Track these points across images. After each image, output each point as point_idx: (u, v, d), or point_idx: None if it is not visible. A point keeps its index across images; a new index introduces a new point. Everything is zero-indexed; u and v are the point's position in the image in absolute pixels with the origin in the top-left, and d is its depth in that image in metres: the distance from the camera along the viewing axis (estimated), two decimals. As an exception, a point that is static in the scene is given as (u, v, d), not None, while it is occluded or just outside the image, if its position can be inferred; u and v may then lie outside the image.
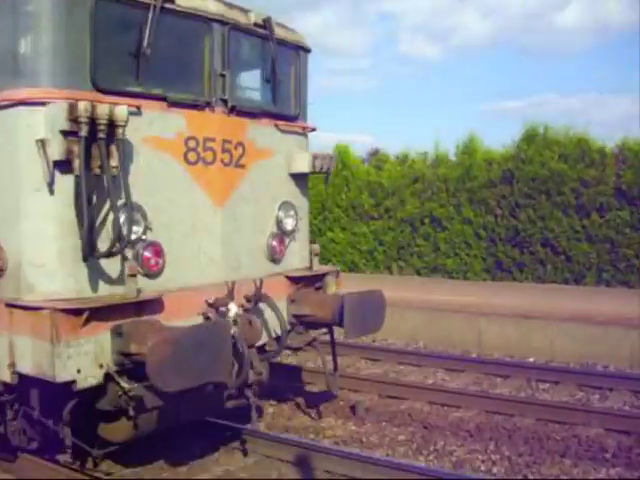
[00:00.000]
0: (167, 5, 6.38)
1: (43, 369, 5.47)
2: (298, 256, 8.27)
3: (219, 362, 5.89)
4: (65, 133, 5.52)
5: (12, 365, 5.74)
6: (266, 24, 7.59)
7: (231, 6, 7.37)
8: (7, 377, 5.80)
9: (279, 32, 7.87)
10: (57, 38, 5.71)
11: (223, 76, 6.99)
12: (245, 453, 7.50)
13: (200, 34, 6.89)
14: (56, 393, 5.77)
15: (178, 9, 6.55)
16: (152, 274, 6.33)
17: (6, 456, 6.87)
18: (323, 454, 7.18)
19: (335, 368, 8.71)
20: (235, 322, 6.52)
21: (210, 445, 7.64)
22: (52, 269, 5.74)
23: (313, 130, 8.66)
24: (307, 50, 8.50)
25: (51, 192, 5.68)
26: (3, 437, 6.45)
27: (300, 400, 9.69)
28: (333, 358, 8.64)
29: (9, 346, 5.73)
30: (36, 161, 5.63)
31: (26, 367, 5.66)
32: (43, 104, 5.61)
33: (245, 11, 7.54)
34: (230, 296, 6.68)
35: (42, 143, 5.58)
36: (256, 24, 7.53)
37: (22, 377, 5.76)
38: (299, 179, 8.24)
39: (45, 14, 5.69)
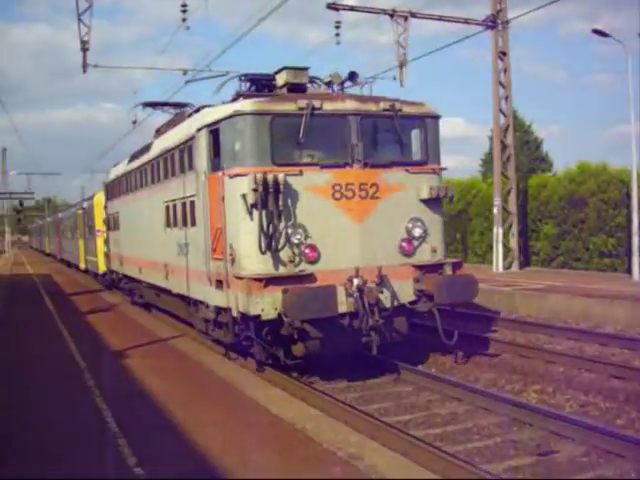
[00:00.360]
0: (316, 111, 11.40)
1: (246, 308, 10.80)
2: (428, 252, 12.33)
3: (327, 306, 10.41)
4: (253, 190, 10.80)
5: (236, 307, 11.22)
6: (392, 108, 12.04)
7: (364, 100, 12.18)
8: (235, 313, 11.34)
9: (407, 109, 12.31)
10: (252, 141, 11.23)
11: (357, 145, 11.59)
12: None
13: (341, 123, 11.66)
14: (256, 323, 11.11)
15: (324, 112, 11.53)
16: (311, 262, 11.27)
17: (258, 368, 12.21)
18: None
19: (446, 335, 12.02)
20: (359, 289, 10.90)
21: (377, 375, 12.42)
22: (252, 259, 11.13)
23: (443, 169, 12.94)
24: (434, 117, 12.77)
25: (251, 219, 11.07)
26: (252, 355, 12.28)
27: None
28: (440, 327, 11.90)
29: (235, 297, 11.26)
30: (243, 204, 11.08)
31: (240, 307, 11.05)
32: (245, 175, 11.03)
33: (377, 101, 12.14)
34: (356, 275, 11.00)
35: (244, 195, 11.02)
36: (385, 109, 12.02)
37: (241, 314, 11.18)
38: (429, 202, 12.33)
39: (247, 130, 11.26)
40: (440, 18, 25.14)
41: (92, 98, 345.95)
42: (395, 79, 25.01)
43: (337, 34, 24.49)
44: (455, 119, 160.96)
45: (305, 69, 13.33)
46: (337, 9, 24.12)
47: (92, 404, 9.54)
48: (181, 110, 17.72)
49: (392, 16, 24.42)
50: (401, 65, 24.81)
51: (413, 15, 24.64)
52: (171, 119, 17.63)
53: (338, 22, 24.35)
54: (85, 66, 26.28)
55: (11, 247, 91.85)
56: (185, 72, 27.09)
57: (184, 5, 24.85)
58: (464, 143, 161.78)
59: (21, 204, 60.15)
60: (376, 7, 24.85)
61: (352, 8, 24.75)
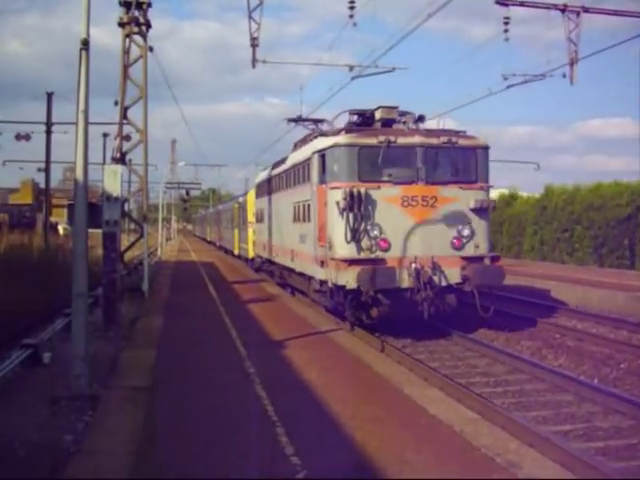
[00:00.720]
0: (391, 145, 15.38)
1: (336, 280, 15.15)
2: (473, 248, 16.00)
3: (388, 281, 14.43)
4: (344, 199, 14.93)
5: (331, 280, 15.55)
6: (449, 141, 15.82)
7: (429, 135, 16.03)
8: (330, 284, 15.77)
9: (462, 142, 16.11)
10: (345, 164, 15.54)
11: (421, 168, 15.56)
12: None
13: (410, 152, 15.67)
14: (344, 293, 15.12)
15: (397, 145, 15.51)
16: (383, 250, 15.27)
17: (350, 328, 16.27)
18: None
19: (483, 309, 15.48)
20: (417, 271, 14.86)
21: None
22: (342, 246, 15.23)
23: (490, 187, 16.98)
24: (484, 147, 16.53)
25: (342, 219, 15.20)
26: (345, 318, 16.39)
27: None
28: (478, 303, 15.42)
29: (330, 273, 15.59)
30: (337, 208, 15.23)
31: (333, 280, 15.37)
32: (339, 188, 15.27)
33: (438, 135, 16.00)
34: (416, 262, 15.01)
35: (337, 202, 15.21)
36: (444, 142, 15.81)
37: (334, 285, 15.41)
38: (476, 211, 16.02)
39: (342, 156, 15.64)
40: (615, 13, 24.14)
41: (258, 93, 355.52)
42: (565, 77, 24.31)
43: (505, 30, 23.99)
44: (624, 119, 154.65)
45: (395, 107, 17.60)
46: (506, 4, 23.59)
47: (252, 392, 9.80)
48: (315, 128, 23.09)
49: (563, 11, 23.62)
50: (572, 62, 24.00)
51: (586, 10, 23.75)
52: (302, 138, 22.50)
53: (507, 18, 23.87)
54: (254, 62, 26.96)
55: (177, 235, 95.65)
56: (351, 68, 27.29)
57: (352, 2, 25.04)
58: (634, 144, 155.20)
59: (187, 194, 62.61)
60: (546, 2, 24.17)
61: (522, 3, 24.13)
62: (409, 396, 9.61)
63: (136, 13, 20.87)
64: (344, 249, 15.26)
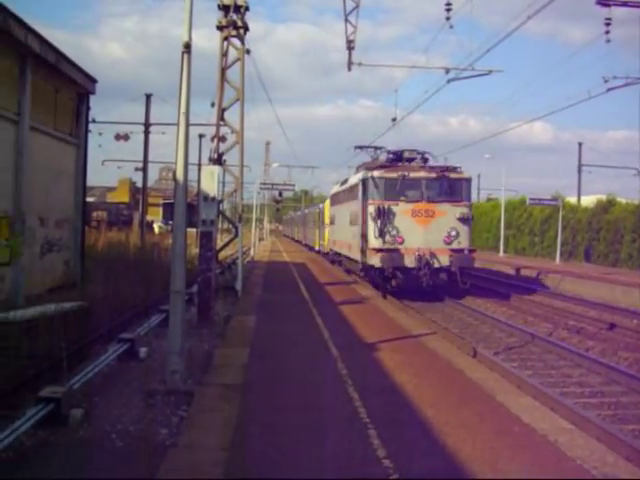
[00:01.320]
0: (405, 178, 24.63)
1: (370, 262, 24.81)
2: (457, 243, 24.32)
3: (398, 262, 23.80)
4: (375, 211, 24.43)
5: (367, 261, 25.31)
6: (444, 175, 24.83)
7: (429, 171, 25.36)
8: (367, 265, 25.57)
9: (452, 175, 25.17)
10: (376, 189, 25.08)
11: (424, 192, 24.50)
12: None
13: (418, 182, 24.78)
14: (374, 270, 24.76)
15: (410, 178, 24.67)
16: (399, 244, 24.23)
17: (382, 294, 24.38)
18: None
19: (462, 282, 24.12)
20: (419, 256, 23.67)
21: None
22: (373, 240, 24.60)
23: (471, 204, 26.33)
24: (467, 179, 25.96)
25: (374, 224, 24.50)
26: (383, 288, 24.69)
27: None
28: (459, 279, 23.78)
29: (366, 257, 25.40)
30: (372, 216, 24.54)
31: (368, 261, 25.21)
32: (373, 204, 24.83)
33: (436, 171, 25.03)
34: (419, 251, 23.79)
35: (371, 213, 24.67)
36: (439, 176, 24.74)
37: (369, 265, 25.15)
38: (460, 220, 24.50)
39: (374, 184, 25.17)
40: None
41: (351, 95, 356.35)
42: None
43: (607, 31, 23.43)
44: None
45: (414, 150, 27.62)
46: (608, 5, 23.05)
47: (345, 393, 9.82)
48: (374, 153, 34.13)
49: (668, 12, 23.07)
50: (676, 65, 23.37)
51: (692, 11, 23.11)
52: (360, 164, 33.24)
53: (608, 19, 23.30)
54: (350, 64, 27.09)
55: (269, 235, 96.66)
56: (447, 71, 27.15)
57: (448, 4, 24.86)
58: None
59: (280, 195, 63.70)
60: (652, 1, 23.53)
61: (624, 3, 23.51)
62: (502, 403, 9.47)
63: (234, 16, 21.17)
64: (374, 242, 24.56)
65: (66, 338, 11.60)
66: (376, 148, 34.25)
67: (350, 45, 26.29)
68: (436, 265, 24.03)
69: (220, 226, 45.26)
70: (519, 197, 59.27)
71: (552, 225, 49.62)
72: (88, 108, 25.31)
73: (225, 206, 34.05)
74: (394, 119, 35.82)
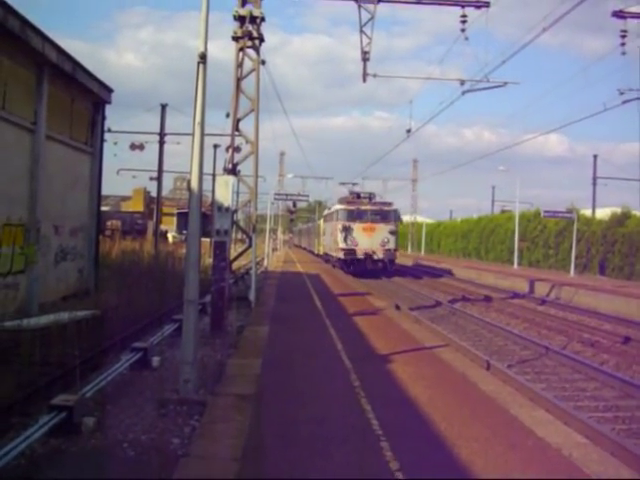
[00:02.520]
0: (359, 209, 45.85)
1: (338, 255, 46.33)
2: (387, 246, 44.20)
3: (354, 255, 44.21)
4: (342, 227, 45.00)
5: (337, 255, 46.94)
6: (381, 208, 46.35)
7: (372, 204, 46.96)
8: (336, 256, 47.54)
9: (384, 207, 46.79)
10: (342, 216, 46.02)
11: (369, 217, 45.26)
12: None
13: (365, 211, 45.74)
14: (341, 260, 46.00)
15: (361, 209, 45.81)
16: (355, 246, 44.23)
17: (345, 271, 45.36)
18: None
19: (390, 267, 45.09)
20: (366, 253, 43.87)
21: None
22: (340, 244, 44.84)
23: (397, 223, 50.29)
24: (395, 209, 48.22)
25: (341, 234, 44.82)
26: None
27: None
28: (388, 266, 44.65)
29: (337, 252, 46.69)
30: (340, 231, 44.88)
31: (336, 255, 47.15)
32: (341, 223, 45.59)
33: (376, 205, 46.94)
34: (366, 250, 44.04)
35: (340, 228, 45.06)
36: (379, 208, 46.24)
37: (337, 257, 47.04)
38: (390, 233, 44.81)
39: (340, 213, 46.55)
40: None
41: (365, 106, 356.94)
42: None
43: (622, 43, 23.38)
44: None
45: (367, 193, 50.52)
46: (624, 17, 23.04)
47: (357, 405, 9.78)
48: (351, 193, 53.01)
49: (684, 24, 23.08)
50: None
51: None
52: (340, 198, 52.46)
53: (624, 31, 23.25)
54: (365, 75, 27.09)
55: (283, 245, 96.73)
56: (462, 82, 27.17)
57: (464, 16, 24.86)
58: None
59: (294, 205, 64.36)
60: (667, 14, 23.56)
61: (640, 15, 23.53)
62: (515, 416, 9.40)
63: (250, 27, 21.24)
64: (342, 244, 43.92)
65: (79, 346, 11.66)
66: (353, 184, 61.44)
67: (365, 56, 26.28)
68: (375, 257, 44.26)
69: (234, 236, 45.40)
70: (533, 209, 59.09)
71: (566, 238, 49.42)
72: (104, 117, 25.45)
73: (239, 216, 34.19)
74: (409, 130, 35.99)
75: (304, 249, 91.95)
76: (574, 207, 50.26)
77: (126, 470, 7.29)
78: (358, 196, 49.28)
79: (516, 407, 9.94)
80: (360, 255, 43.56)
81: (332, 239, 48.63)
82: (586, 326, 22.16)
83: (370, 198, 48.19)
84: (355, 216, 44.75)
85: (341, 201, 49.83)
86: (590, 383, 13.88)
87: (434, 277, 46.26)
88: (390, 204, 47.46)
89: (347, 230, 44.11)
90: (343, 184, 60.60)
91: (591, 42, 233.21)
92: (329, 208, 59.72)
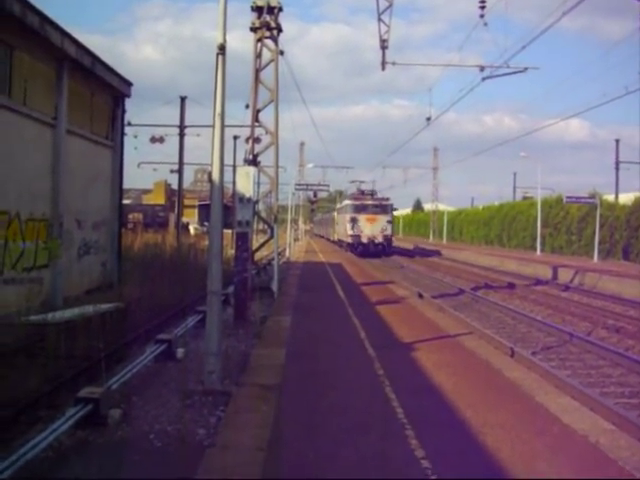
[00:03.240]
0: (363, 203, 58.90)
1: (347, 240, 59.52)
2: (386, 232, 56.54)
3: (360, 240, 56.49)
4: (351, 218, 57.61)
5: (347, 240, 59.65)
6: (380, 202, 58.93)
7: (374, 200, 60.08)
8: (347, 241, 60.14)
9: (382, 202, 59.30)
10: (350, 209, 59.33)
11: (371, 209, 57.75)
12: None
13: (369, 205, 58.46)
14: (349, 244, 59.23)
15: (365, 203, 58.87)
16: (360, 232, 56.30)
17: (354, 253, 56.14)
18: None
19: (388, 249, 57.17)
20: (370, 238, 56.58)
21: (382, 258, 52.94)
22: (349, 232, 57.60)
23: (393, 213, 60.87)
24: (391, 203, 59.98)
25: (350, 224, 57.24)
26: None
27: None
28: (387, 246, 56.46)
29: (347, 238, 59.15)
30: (349, 221, 57.53)
31: (346, 240, 60.14)
32: (349, 215, 58.66)
33: (376, 199, 60.20)
34: (368, 236, 56.16)
35: (348, 220, 57.63)
36: (378, 202, 58.88)
37: (347, 242, 60.23)
38: (387, 222, 57.04)
39: (349, 206, 59.84)
40: None
41: (385, 95, 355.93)
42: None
43: (643, 27, 23.35)
44: None
45: (371, 189, 66.05)
46: (644, -1, 22.90)
47: (382, 393, 9.78)
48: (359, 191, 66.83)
49: None
50: None
51: None
52: (348, 195, 72.63)
53: (644, 14, 23.19)
54: (384, 64, 27.03)
55: (304, 236, 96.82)
56: (482, 69, 27.00)
57: (482, 1, 24.73)
58: None
59: (315, 195, 65.48)
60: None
61: (661, -1, 23.44)
62: (541, 403, 9.35)
63: (267, 18, 21.21)
64: (350, 232, 56.47)
65: (104, 339, 11.73)
66: (361, 182, 72.01)
67: (384, 44, 26.26)
68: (376, 241, 55.64)
69: (255, 227, 45.49)
70: (555, 195, 58.69)
71: (589, 223, 49.06)
72: (123, 111, 25.54)
73: (260, 207, 34.26)
74: (428, 118, 35.83)
75: (322, 237, 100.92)
76: (596, 192, 49.90)
77: (153, 461, 7.33)
78: (362, 193, 64.06)
79: (541, 394, 9.89)
80: (364, 240, 55.73)
81: (343, 228, 61.68)
82: (611, 312, 22.01)
83: (372, 194, 62.77)
84: (360, 209, 57.29)
85: (349, 197, 66.27)
86: (616, 369, 13.79)
87: (424, 256, 59.14)
88: (387, 199, 60.79)
89: (354, 220, 56.45)
90: (353, 182, 75.98)
91: (611, 25, 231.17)
92: (341, 202, 74.26)
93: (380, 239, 55.54)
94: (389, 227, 56.94)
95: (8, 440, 8.02)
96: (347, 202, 62.51)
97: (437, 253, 62.37)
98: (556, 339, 16.98)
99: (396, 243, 66.63)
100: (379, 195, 63.27)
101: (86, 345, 12.79)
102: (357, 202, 58.83)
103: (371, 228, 55.95)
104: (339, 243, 68.57)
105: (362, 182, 71.29)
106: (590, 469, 7.01)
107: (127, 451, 7.58)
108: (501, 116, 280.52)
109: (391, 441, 7.68)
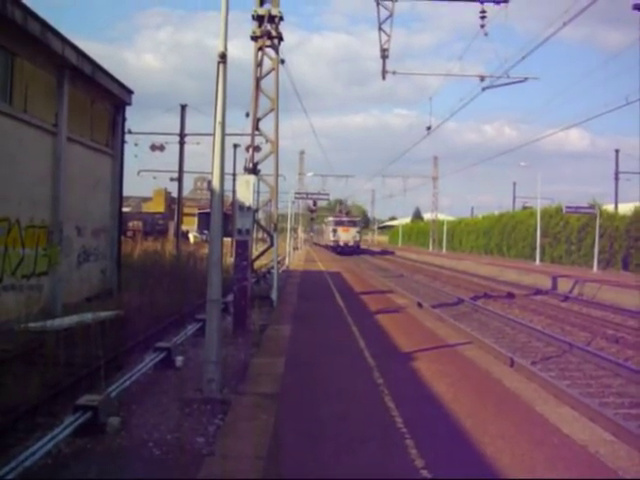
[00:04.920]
0: (340, 220, 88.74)
1: (330, 244, 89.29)
2: (356, 239, 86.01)
3: (337, 243, 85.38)
4: (332, 229, 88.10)
5: (329, 243, 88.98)
6: (352, 219, 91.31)
7: (348, 217, 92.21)
8: (330, 245, 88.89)
9: (353, 218, 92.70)
10: (330, 223, 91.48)
11: (345, 223, 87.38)
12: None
13: (343, 221, 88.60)
14: (331, 247, 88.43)
15: (340, 220, 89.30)
16: (337, 239, 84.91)
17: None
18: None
19: (357, 251, 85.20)
20: (344, 242, 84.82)
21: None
22: (332, 238, 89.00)
23: (361, 226, 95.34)
24: (359, 220, 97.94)
25: (331, 233, 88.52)
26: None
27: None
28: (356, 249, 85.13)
29: (330, 241, 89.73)
30: (331, 230, 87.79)
31: (330, 244, 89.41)
32: (331, 227, 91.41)
33: (350, 216, 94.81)
34: (344, 241, 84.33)
35: (331, 230, 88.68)
36: (350, 219, 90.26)
37: (330, 245, 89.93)
38: (357, 232, 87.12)
39: (330, 222, 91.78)
40: None
41: (385, 104, 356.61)
42: None
43: (642, 38, 23.69)
44: None
45: (347, 212, 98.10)
46: (642, 11, 23.06)
47: (381, 402, 9.75)
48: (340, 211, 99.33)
49: None
50: None
51: None
52: (336, 213, 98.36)
53: (643, 25, 23.53)
54: (384, 73, 27.09)
55: (304, 244, 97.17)
56: (482, 78, 27.06)
57: (483, 12, 24.77)
58: None
59: (315, 204, 65.12)
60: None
61: (660, 9, 23.62)
62: (540, 413, 9.33)
63: (268, 27, 21.26)
64: (332, 238, 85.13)
65: (103, 346, 11.69)
66: (341, 202, 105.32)
67: (384, 54, 26.30)
68: (349, 245, 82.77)
69: (255, 235, 45.51)
70: (555, 205, 58.74)
71: (589, 233, 49.12)
72: (124, 119, 25.57)
73: (260, 215, 34.23)
74: (429, 127, 35.92)
75: (316, 244, 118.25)
76: (596, 202, 49.94)
77: (152, 470, 7.31)
78: (340, 211, 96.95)
79: (541, 404, 9.88)
80: (341, 244, 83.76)
81: (328, 236, 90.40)
82: (610, 322, 21.99)
83: (347, 213, 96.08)
84: (338, 223, 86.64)
85: (332, 215, 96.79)
86: (615, 379, 13.78)
87: (384, 254, 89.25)
88: (357, 216, 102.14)
89: (335, 231, 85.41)
90: (340, 203, 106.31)
91: (612, 35, 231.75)
92: (328, 218, 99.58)
93: (351, 243, 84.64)
94: (358, 235, 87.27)
95: (7, 447, 8.01)
96: (330, 219, 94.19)
97: (391, 253, 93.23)
98: (555, 349, 16.97)
99: (376, 249, 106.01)
100: (352, 213, 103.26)
101: (85, 353, 12.77)
102: (337, 219, 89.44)
103: (345, 236, 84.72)
104: (325, 246, 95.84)
105: (342, 203, 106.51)
106: (587, 478, 6.99)
107: (126, 459, 7.56)
108: (501, 126, 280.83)
109: (390, 450, 7.65)
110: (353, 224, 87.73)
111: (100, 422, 8.25)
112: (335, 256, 73.45)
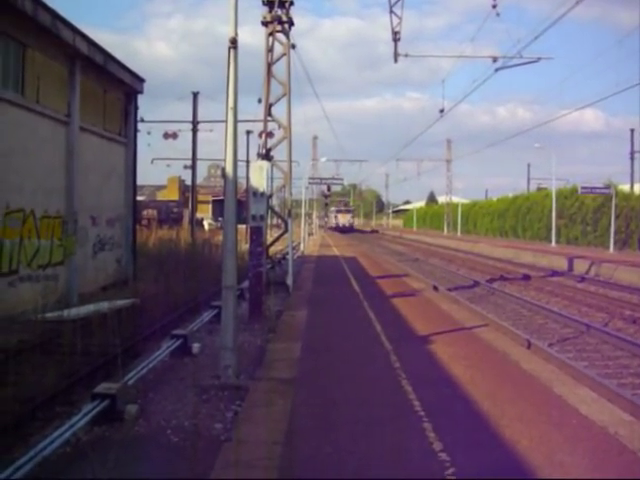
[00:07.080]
0: (339, 209, 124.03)
1: (332, 226, 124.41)
2: (351, 222, 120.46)
3: (337, 224, 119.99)
4: (334, 214, 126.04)
5: (330, 225, 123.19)
6: (349, 208, 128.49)
7: (345, 206, 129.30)
8: (331, 228, 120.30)
9: (349, 207, 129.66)
10: (333, 210, 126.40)
11: (343, 210, 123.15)
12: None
13: (342, 209, 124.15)
14: (333, 228, 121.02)
15: (339, 209, 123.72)
16: (336, 222, 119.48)
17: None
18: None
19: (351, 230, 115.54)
20: (343, 224, 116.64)
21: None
22: (333, 220, 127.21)
23: (354, 212, 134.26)
24: (353, 208, 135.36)
25: (333, 217, 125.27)
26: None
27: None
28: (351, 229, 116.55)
29: (331, 225, 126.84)
30: (333, 216, 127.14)
31: (332, 226, 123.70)
32: (333, 213, 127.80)
33: (347, 205, 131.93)
34: (342, 223, 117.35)
35: (333, 215, 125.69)
36: (346, 207, 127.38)
37: (331, 226, 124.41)
38: (351, 217, 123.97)
39: (333, 210, 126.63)
40: None
41: (398, 87, 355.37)
42: None
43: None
44: None
45: (346, 201, 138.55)
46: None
47: (398, 386, 9.74)
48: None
49: None
50: None
51: None
52: (337, 201, 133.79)
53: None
54: (396, 56, 26.95)
55: (318, 230, 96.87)
56: (495, 59, 26.88)
57: (495, -8, 24.56)
58: None
59: (329, 189, 64.66)
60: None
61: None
62: (559, 395, 9.30)
63: (279, 11, 21.18)
64: (333, 221, 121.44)
65: (120, 335, 11.73)
66: (343, 195, 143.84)
67: (396, 37, 26.16)
68: (346, 226, 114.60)
69: (269, 222, 45.50)
70: (570, 186, 58.39)
71: (605, 214, 48.81)
72: (136, 107, 25.58)
73: (274, 201, 34.26)
74: (441, 110, 35.74)
75: (325, 227, 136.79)
76: (611, 182, 49.60)
77: (170, 456, 7.32)
78: (340, 202, 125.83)
79: (559, 385, 9.84)
80: (340, 225, 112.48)
81: (330, 220, 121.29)
82: (627, 303, 21.86)
83: (345, 204, 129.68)
84: (338, 211, 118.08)
85: (334, 205, 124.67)
86: (633, 360, 13.69)
87: (371, 234, 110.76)
88: (351, 206, 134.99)
89: (336, 217, 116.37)
90: (342, 197, 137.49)
91: (626, 13, 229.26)
92: (332, 207, 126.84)
93: (347, 225, 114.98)
94: (351, 219, 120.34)
95: (26, 436, 8.06)
96: (333, 208, 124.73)
97: (376, 231, 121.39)
98: (573, 330, 16.89)
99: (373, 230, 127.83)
100: (350, 204, 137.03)
101: (102, 341, 12.83)
102: (337, 208, 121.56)
103: (343, 220, 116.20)
104: (331, 228, 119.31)
105: (344, 196, 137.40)
106: (609, 460, 6.95)
107: (144, 447, 7.59)
108: (515, 107, 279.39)
109: (408, 434, 7.64)
110: (348, 212, 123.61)
111: (118, 410, 8.27)
112: (350, 241, 71.86)
